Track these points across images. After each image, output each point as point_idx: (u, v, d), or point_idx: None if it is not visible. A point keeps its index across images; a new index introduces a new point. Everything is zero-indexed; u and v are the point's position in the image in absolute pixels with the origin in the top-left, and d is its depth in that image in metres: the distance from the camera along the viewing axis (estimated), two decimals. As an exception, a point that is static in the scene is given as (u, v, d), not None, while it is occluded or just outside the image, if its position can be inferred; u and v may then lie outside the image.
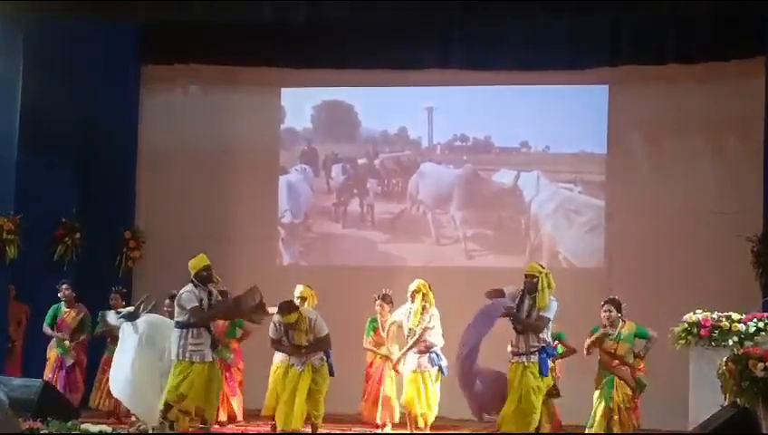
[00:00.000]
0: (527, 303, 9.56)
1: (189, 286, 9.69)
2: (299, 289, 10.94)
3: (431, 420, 10.72)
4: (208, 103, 13.74)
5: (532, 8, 11.24)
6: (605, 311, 9.66)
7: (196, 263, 9.81)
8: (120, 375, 10.02)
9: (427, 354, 10.62)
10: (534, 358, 9.46)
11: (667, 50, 12.39)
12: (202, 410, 9.74)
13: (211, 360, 9.65)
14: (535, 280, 9.51)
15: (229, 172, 13.49)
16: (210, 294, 9.76)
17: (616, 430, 9.44)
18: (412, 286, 10.70)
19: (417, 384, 10.57)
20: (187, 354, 9.53)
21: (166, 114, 13.68)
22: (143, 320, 10.28)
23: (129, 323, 10.26)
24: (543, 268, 9.66)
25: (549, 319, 9.52)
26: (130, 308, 10.77)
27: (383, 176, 13.60)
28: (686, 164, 12.64)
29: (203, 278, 9.73)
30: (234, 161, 13.52)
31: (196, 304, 9.59)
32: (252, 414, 11.32)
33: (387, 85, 13.41)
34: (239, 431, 10.87)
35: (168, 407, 9.57)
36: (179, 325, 9.63)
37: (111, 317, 10.73)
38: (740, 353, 7.62)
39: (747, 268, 11.55)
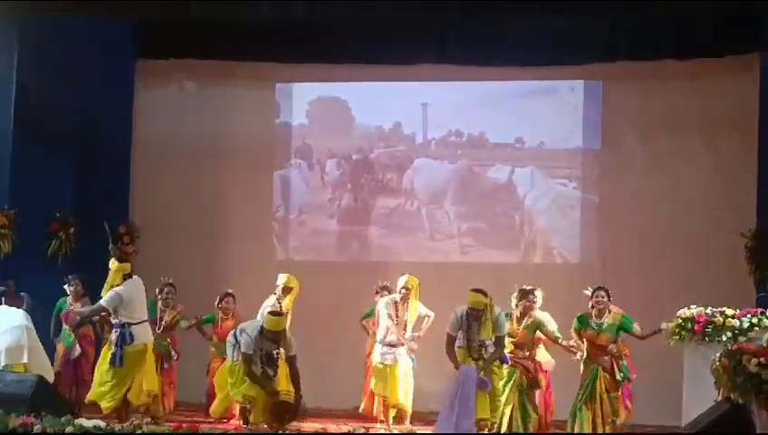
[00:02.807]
0: (475, 327, 9.23)
1: (256, 328, 9.44)
2: (282, 278, 10.81)
3: (410, 411, 10.70)
4: (203, 98, 13.70)
5: (530, 8, 11.24)
6: (600, 297, 9.44)
7: (272, 323, 9.41)
8: None
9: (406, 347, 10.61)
10: None
11: (661, 46, 12.40)
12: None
13: None
14: (481, 311, 9.16)
15: (224, 167, 13.44)
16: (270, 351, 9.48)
17: (599, 422, 9.36)
18: (401, 283, 10.60)
19: (395, 377, 10.51)
20: None
21: (161, 109, 13.64)
22: None
23: None
24: (487, 297, 9.24)
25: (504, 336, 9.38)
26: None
27: (378, 171, 13.60)
28: (680, 160, 12.63)
29: (270, 334, 9.38)
30: (228, 156, 13.47)
31: (251, 353, 9.37)
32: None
33: (381, 80, 13.39)
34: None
35: None
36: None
37: None
38: (734, 349, 7.67)
39: (741, 264, 11.59)
